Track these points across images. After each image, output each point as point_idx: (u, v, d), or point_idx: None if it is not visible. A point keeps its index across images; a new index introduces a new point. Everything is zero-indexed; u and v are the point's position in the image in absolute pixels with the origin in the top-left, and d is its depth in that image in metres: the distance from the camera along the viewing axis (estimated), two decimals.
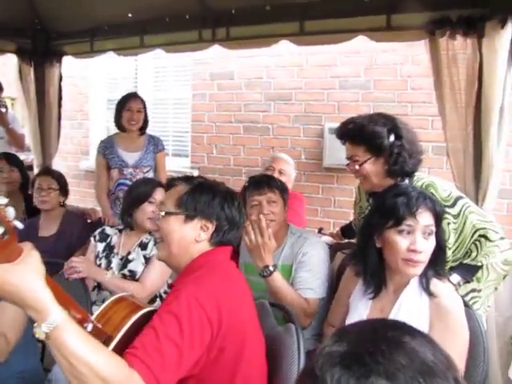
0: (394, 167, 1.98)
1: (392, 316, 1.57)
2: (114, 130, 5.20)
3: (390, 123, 2.00)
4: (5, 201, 0.96)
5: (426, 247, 1.56)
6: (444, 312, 1.50)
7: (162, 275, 2.34)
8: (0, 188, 3.23)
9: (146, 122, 3.58)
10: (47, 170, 3.33)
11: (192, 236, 1.49)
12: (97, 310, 1.34)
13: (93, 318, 1.28)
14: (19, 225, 0.99)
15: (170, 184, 1.60)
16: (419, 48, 2.77)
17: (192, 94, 4.56)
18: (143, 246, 2.44)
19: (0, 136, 3.97)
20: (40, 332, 1.02)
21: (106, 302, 1.38)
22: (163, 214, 1.50)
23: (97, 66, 5.14)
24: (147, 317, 1.34)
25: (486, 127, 2.43)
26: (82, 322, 1.18)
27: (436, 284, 1.58)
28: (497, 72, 2.33)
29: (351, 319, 1.67)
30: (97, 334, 1.20)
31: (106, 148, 3.55)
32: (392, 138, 1.97)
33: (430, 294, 1.56)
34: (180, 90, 4.76)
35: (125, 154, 3.51)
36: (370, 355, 0.62)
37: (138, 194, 2.47)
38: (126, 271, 2.39)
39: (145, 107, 3.55)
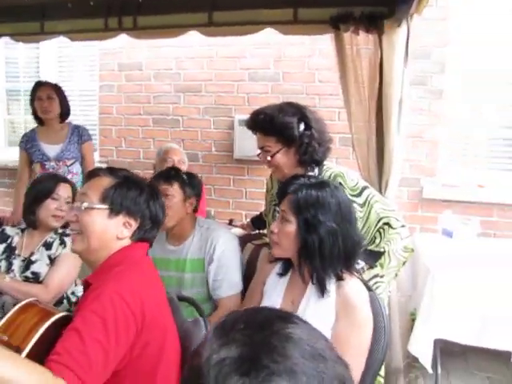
0: (304, 157, 2.01)
1: (302, 307, 1.60)
2: (17, 123, 4.92)
3: (300, 113, 2.02)
4: None
5: (278, 229, 1.62)
6: (350, 308, 1.53)
7: (68, 276, 2.23)
8: None
9: (64, 109, 3.37)
10: None
11: (114, 232, 1.44)
12: (1, 321, 1.24)
13: None
14: None
15: (92, 174, 1.52)
16: (326, 42, 2.85)
17: (99, 86, 4.38)
18: (48, 246, 2.29)
19: None
20: None
21: (12, 311, 1.28)
22: (86, 205, 1.42)
23: None
24: (61, 323, 1.27)
25: (386, 119, 2.56)
26: None
27: (341, 284, 1.59)
28: (394, 67, 2.46)
29: None
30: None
31: (28, 141, 3.35)
32: (302, 127, 2.00)
33: (325, 292, 1.57)
34: (86, 81, 4.55)
35: (46, 146, 3.31)
36: (266, 355, 0.58)
37: (41, 189, 2.33)
38: (28, 273, 2.23)
39: (58, 93, 3.34)
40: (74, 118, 4.51)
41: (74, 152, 3.34)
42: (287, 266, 1.73)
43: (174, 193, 2.25)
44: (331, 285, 1.58)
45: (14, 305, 1.62)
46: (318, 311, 1.54)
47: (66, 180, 2.44)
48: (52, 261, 2.26)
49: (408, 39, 2.44)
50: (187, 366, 0.66)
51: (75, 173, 3.33)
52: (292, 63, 3.79)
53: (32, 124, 4.67)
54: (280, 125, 1.98)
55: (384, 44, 2.48)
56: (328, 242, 1.55)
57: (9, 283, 2.09)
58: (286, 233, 1.60)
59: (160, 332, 1.38)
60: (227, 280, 2.20)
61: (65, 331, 1.20)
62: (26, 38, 3.53)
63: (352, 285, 1.58)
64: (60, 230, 2.35)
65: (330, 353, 0.63)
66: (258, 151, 2.13)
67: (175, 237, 2.33)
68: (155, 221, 1.52)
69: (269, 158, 2.05)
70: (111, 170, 1.52)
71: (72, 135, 3.37)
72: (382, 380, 2.19)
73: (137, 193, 1.48)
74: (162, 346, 1.38)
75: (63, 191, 2.34)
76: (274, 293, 1.71)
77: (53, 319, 1.28)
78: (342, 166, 2.22)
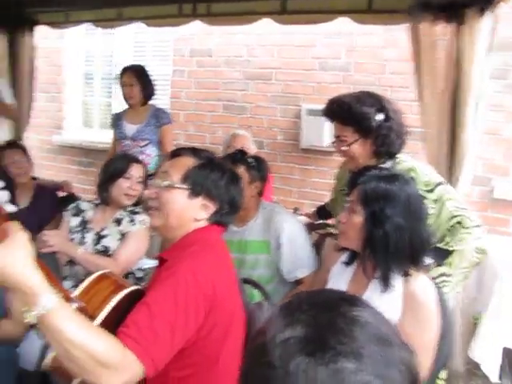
0: (380, 148, 1.97)
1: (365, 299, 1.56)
2: (91, 104, 5.15)
3: (378, 103, 1.97)
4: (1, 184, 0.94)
5: (346, 220, 1.60)
6: (417, 305, 1.49)
7: (136, 252, 2.32)
8: None
9: (146, 93, 3.50)
10: (15, 143, 3.21)
11: (192, 213, 1.45)
12: (78, 288, 1.30)
13: (75, 296, 1.24)
14: (11, 208, 0.95)
15: (175, 154, 1.54)
16: (400, 32, 2.77)
17: (172, 71, 4.48)
18: (118, 222, 2.40)
19: None
20: (31, 316, 0.99)
21: (88, 280, 1.33)
22: (167, 183, 1.44)
23: (73, 38, 5.00)
24: (132, 296, 1.31)
25: (461, 114, 2.46)
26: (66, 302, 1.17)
27: (408, 280, 1.53)
28: (474, 59, 2.36)
29: None
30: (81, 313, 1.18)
31: (116, 120, 3.58)
32: (380, 118, 1.95)
33: (388, 287, 1.52)
34: (159, 66, 4.67)
35: (127, 125, 3.49)
36: (332, 337, 0.58)
37: (114, 169, 2.43)
38: (99, 247, 2.35)
39: (140, 79, 3.46)
40: None
41: (149, 134, 3.43)
42: (354, 255, 1.70)
43: (240, 175, 2.28)
44: (397, 280, 1.54)
45: (86, 275, 1.71)
46: (382, 306, 1.50)
47: (137, 160, 2.54)
48: (122, 236, 2.36)
49: (492, 30, 2.33)
50: (251, 344, 0.66)
51: (148, 154, 3.42)
52: (364, 54, 3.70)
53: (105, 106, 4.89)
54: (358, 115, 1.94)
55: (464, 35, 2.38)
56: (393, 238, 1.50)
57: (82, 255, 2.20)
58: (352, 224, 1.57)
59: (227, 315, 1.39)
60: (301, 260, 2.23)
61: (137, 304, 1.23)
62: (106, 23, 3.68)
63: (420, 281, 1.53)
64: (130, 208, 2.44)
65: (395, 337, 0.62)
66: (333, 139, 2.09)
67: (239, 218, 2.36)
68: (233, 205, 1.51)
69: (344, 148, 2.01)
70: (194, 151, 1.52)
71: (151, 117, 3.47)
72: (440, 382, 2.13)
73: (218, 176, 1.48)
74: (228, 329, 1.40)
75: (135, 171, 2.43)
76: (339, 282, 1.69)
77: (125, 291, 1.31)
78: (416, 160, 2.15)
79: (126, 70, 3.50)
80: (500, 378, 2.57)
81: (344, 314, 0.62)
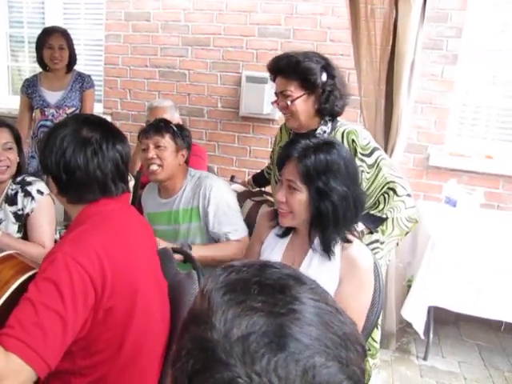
0: (324, 105, 1.97)
1: (302, 269, 1.55)
2: (16, 69, 4.84)
3: (324, 61, 1.99)
4: None
5: (286, 198, 1.54)
6: (355, 269, 1.50)
7: (50, 226, 2.12)
8: None
9: (72, 59, 3.34)
10: None
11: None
12: None
13: None
14: None
15: None
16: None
17: (105, 35, 4.27)
18: (10, 201, 2.09)
19: None
20: None
21: None
22: None
23: None
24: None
25: (397, 83, 2.50)
26: None
27: (346, 247, 1.55)
28: (410, 28, 2.38)
29: None
30: None
31: (29, 86, 3.34)
32: (325, 75, 1.96)
33: (331, 256, 1.53)
34: (92, 30, 4.43)
35: (47, 93, 3.29)
36: (295, 327, 0.53)
37: None
38: None
39: (69, 43, 3.31)
40: (79, 68, 4.44)
41: (75, 100, 3.32)
42: (288, 228, 1.67)
43: (166, 144, 2.23)
44: (336, 247, 1.54)
45: None
46: (320, 274, 1.50)
47: (5, 124, 2.18)
48: (19, 217, 2.09)
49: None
50: (190, 337, 0.57)
51: None
52: (304, 20, 3.66)
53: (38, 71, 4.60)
54: (304, 69, 1.93)
55: (400, 4, 2.40)
56: (341, 208, 1.49)
57: (2, 239, 1.94)
58: (296, 202, 1.52)
59: (128, 295, 1.30)
60: (233, 224, 2.21)
61: (20, 301, 1.13)
62: None
63: (357, 246, 1.55)
64: (19, 178, 2.14)
65: (343, 313, 0.60)
66: (275, 97, 2.05)
67: (167, 190, 2.33)
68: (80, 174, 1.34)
69: (289, 103, 1.98)
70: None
71: (74, 82, 3.34)
72: (374, 344, 2.22)
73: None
74: (131, 309, 1.32)
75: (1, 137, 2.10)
76: (273, 253, 1.67)
77: (29, 274, 1.24)
78: (355, 124, 2.17)
79: (54, 31, 3.29)
80: (425, 333, 2.74)
81: (298, 297, 0.57)
